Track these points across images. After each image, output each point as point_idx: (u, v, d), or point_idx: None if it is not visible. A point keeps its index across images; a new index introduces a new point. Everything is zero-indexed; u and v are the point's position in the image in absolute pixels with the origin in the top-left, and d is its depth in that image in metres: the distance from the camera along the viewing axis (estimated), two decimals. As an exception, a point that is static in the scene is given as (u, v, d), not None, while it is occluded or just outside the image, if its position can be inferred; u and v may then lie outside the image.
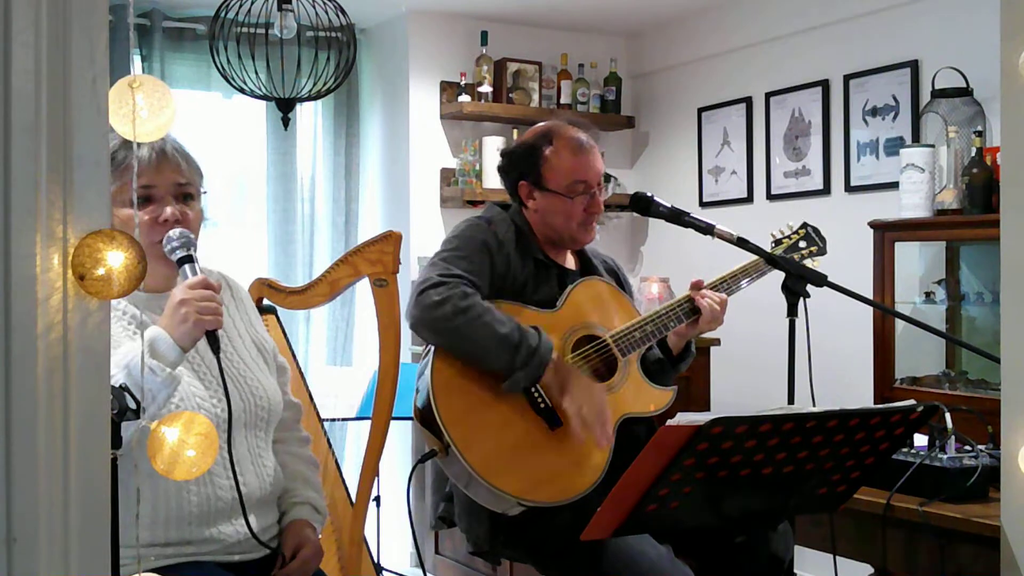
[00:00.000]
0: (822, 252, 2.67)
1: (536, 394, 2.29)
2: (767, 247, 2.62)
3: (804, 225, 2.70)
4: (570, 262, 2.59)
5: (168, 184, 1.94)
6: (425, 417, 2.25)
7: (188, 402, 1.90)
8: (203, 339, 1.84)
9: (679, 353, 2.54)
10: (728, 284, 2.56)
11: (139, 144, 1.87)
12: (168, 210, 1.92)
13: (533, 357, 2.24)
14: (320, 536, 2.15)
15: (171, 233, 1.90)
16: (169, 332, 1.80)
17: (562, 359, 2.33)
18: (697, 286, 2.50)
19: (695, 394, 4.31)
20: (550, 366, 2.27)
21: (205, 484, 1.91)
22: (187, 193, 1.97)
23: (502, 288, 2.40)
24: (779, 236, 2.67)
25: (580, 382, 2.30)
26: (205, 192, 2.04)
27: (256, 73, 3.60)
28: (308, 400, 2.59)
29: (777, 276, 2.33)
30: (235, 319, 2.12)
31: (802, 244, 2.66)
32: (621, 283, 2.65)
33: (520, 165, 2.52)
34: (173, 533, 1.89)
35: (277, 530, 2.08)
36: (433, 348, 2.30)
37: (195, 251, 1.90)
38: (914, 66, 4.04)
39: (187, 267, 1.88)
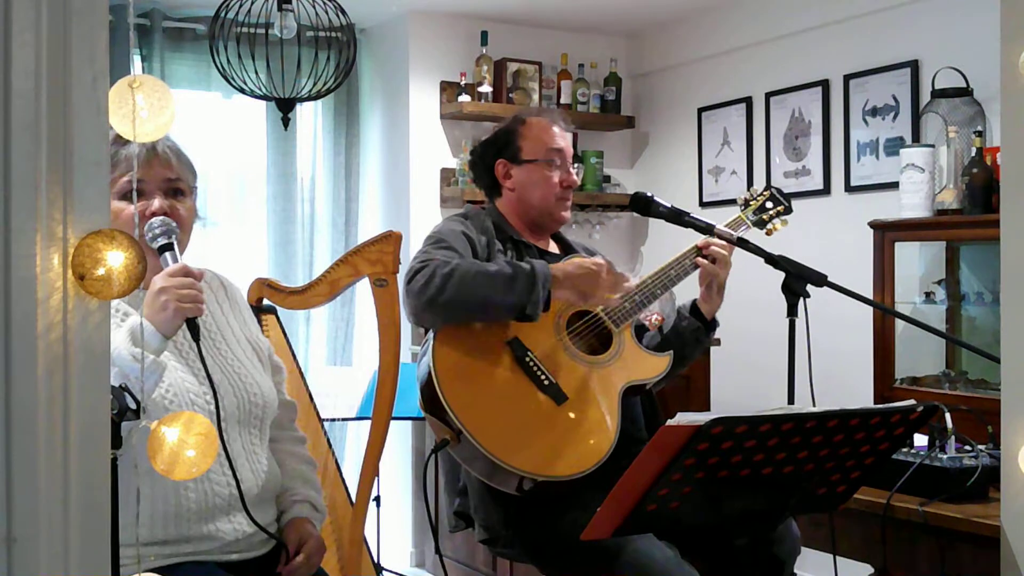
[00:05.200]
0: (789, 211, 2.73)
1: (539, 372, 2.32)
2: (736, 211, 2.71)
3: (768, 187, 2.77)
4: (552, 247, 2.67)
5: (157, 179, 1.97)
6: (432, 407, 2.26)
7: (181, 397, 1.91)
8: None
9: (712, 319, 2.58)
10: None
11: (128, 140, 1.91)
12: (156, 203, 1.94)
13: (535, 278, 2.28)
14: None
15: (152, 221, 1.91)
16: (150, 320, 1.80)
17: (557, 267, 2.36)
18: (705, 244, 2.53)
19: (695, 394, 4.31)
20: (556, 280, 2.31)
21: (202, 480, 1.91)
22: (177, 188, 2.00)
23: None
24: (747, 199, 2.73)
25: (581, 273, 2.34)
26: (195, 188, 2.06)
27: (256, 73, 3.60)
28: (308, 400, 2.59)
29: (777, 276, 2.33)
30: (229, 318, 2.13)
31: (769, 204, 2.71)
32: None
33: (495, 146, 2.65)
34: (172, 530, 1.89)
35: (275, 528, 2.08)
36: (432, 337, 2.31)
37: (176, 240, 1.90)
38: (914, 66, 4.04)
39: (167, 255, 1.89)
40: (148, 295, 1.83)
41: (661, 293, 2.51)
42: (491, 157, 2.64)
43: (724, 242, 2.51)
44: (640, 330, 2.63)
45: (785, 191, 2.78)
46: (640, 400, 2.52)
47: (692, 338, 2.56)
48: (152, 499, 1.87)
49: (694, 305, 2.57)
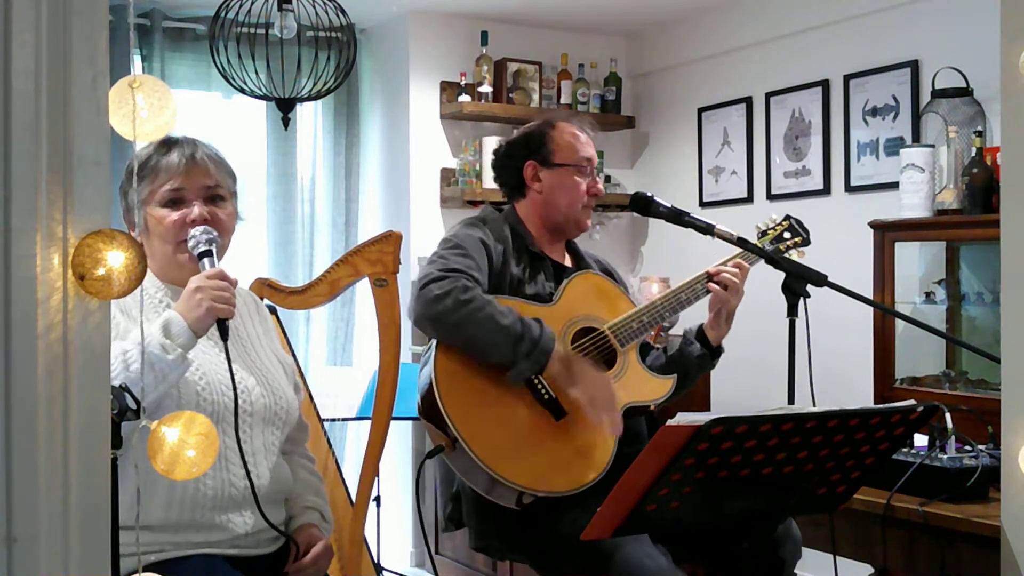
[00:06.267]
0: (806, 243, 2.70)
1: (539, 386, 2.31)
2: (753, 240, 2.65)
3: (787, 217, 2.74)
4: (565, 260, 2.64)
5: (197, 187, 2.04)
6: (430, 412, 2.26)
7: (213, 386, 1.95)
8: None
9: (718, 346, 2.56)
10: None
11: (169, 149, 2.00)
12: (196, 210, 2.02)
13: (536, 348, 2.26)
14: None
15: (194, 231, 1.99)
16: (183, 316, 1.86)
17: (566, 348, 2.35)
18: (716, 271, 2.51)
19: (695, 394, 4.29)
20: (554, 356, 2.28)
21: (221, 470, 1.95)
22: (216, 195, 2.07)
23: (499, 284, 2.43)
24: (764, 228, 2.70)
25: (587, 371, 2.32)
26: (235, 192, 2.14)
27: (256, 73, 3.60)
28: (308, 400, 2.59)
29: (777, 276, 2.34)
30: (259, 331, 2.20)
31: (787, 235, 2.69)
32: (615, 281, 2.68)
33: (526, 147, 2.60)
34: (186, 516, 1.92)
35: (283, 529, 2.10)
36: (435, 343, 2.31)
37: (216, 247, 2.00)
38: (914, 66, 4.04)
39: (206, 260, 1.97)
40: (184, 293, 1.90)
41: (669, 316, 2.50)
42: (521, 158, 2.59)
43: (736, 270, 2.49)
44: (645, 348, 2.60)
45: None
46: (644, 418, 2.51)
47: (696, 363, 2.54)
48: (171, 483, 1.89)
49: (700, 330, 2.55)
